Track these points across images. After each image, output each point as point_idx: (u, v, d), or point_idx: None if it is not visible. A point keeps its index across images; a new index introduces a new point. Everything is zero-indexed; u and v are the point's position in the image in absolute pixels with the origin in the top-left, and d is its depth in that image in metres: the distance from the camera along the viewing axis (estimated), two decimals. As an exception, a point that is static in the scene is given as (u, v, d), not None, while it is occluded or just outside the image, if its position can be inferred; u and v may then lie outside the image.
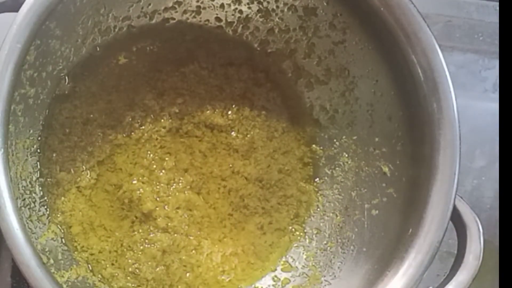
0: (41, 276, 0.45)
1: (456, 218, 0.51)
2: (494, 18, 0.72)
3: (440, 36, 0.64)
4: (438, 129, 0.51)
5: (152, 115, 0.62)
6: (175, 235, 0.61)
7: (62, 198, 0.59)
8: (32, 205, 0.55)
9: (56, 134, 0.59)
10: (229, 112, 0.63)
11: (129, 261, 0.59)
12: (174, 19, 0.61)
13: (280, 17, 0.59)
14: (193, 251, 0.61)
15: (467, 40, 0.73)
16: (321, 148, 0.63)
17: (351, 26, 0.56)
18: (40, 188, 0.57)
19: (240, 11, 0.60)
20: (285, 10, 0.58)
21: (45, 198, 0.58)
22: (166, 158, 0.62)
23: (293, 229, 0.63)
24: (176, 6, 0.60)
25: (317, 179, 0.64)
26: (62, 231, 0.58)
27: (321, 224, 0.63)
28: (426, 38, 0.51)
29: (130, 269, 0.60)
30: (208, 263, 0.61)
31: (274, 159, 0.63)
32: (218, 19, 0.61)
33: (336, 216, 0.62)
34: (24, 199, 0.54)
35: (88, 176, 0.60)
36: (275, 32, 0.61)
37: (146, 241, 0.60)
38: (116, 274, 0.59)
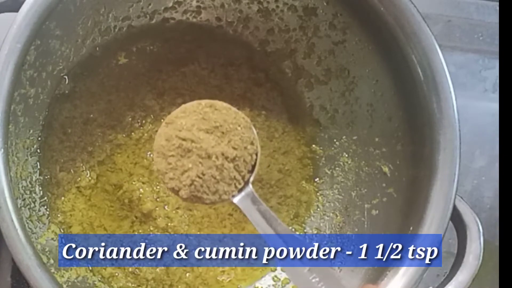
0: (41, 276, 0.45)
1: (456, 218, 0.51)
2: (494, 18, 0.72)
3: (440, 36, 0.64)
4: (438, 129, 0.51)
5: (152, 115, 0.62)
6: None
7: (62, 198, 0.59)
8: (32, 205, 0.55)
9: (56, 134, 0.59)
10: (229, 112, 0.63)
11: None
12: (174, 19, 0.61)
13: (280, 17, 0.59)
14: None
15: (467, 40, 0.72)
16: (321, 148, 0.63)
17: (351, 26, 0.56)
18: (40, 188, 0.57)
19: (240, 11, 0.60)
20: (285, 10, 0.58)
21: (45, 198, 0.58)
22: (166, 158, 0.62)
23: (293, 229, 0.63)
24: (176, 6, 0.60)
25: (317, 179, 0.64)
26: (62, 231, 0.58)
27: (321, 224, 0.63)
28: (426, 38, 0.51)
29: (130, 269, 0.60)
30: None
31: (274, 159, 0.63)
32: (218, 19, 0.61)
33: (336, 216, 0.62)
34: (24, 199, 0.54)
35: (88, 176, 0.60)
36: (275, 32, 0.61)
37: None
38: (116, 274, 0.59)
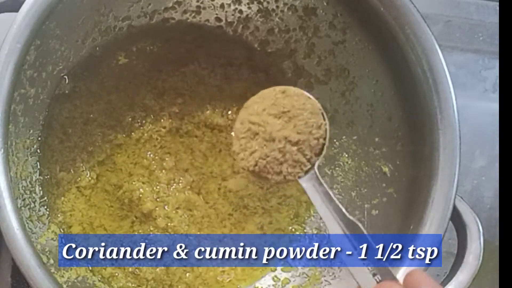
0: (41, 276, 0.45)
1: (456, 218, 0.51)
2: (494, 18, 0.73)
3: (440, 36, 0.64)
4: (438, 129, 0.51)
5: (152, 115, 0.62)
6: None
7: (62, 198, 0.59)
8: (32, 205, 0.55)
9: (56, 134, 0.59)
10: (229, 112, 0.63)
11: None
12: (174, 19, 0.61)
13: (280, 17, 0.59)
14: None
15: (467, 40, 0.73)
16: (321, 148, 0.63)
17: (351, 26, 0.56)
18: (40, 188, 0.57)
19: (240, 11, 0.60)
20: (285, 10, 0.58)
21: (45, 198, 0.58)
22: (166, 158, 0.62)
23: (293, 229, 0.63)
24: (176, 6, 0.60)
25: (317, 179, 0.64)
26: (62, 231, 0.58)
27: (321, 224, 0.63)
28: (426, 38, 0.51)
29: (130, 269, 0.60)
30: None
31: (274, 159, 0.63)
32: (218, 19, 0.61)
33: (336, 216, 0.62)
34: (24, 199, 0.54)
35: (88, 176, 0.60)
36: (275, 32, 0.61)
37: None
38: (116, 274, 0.59)
